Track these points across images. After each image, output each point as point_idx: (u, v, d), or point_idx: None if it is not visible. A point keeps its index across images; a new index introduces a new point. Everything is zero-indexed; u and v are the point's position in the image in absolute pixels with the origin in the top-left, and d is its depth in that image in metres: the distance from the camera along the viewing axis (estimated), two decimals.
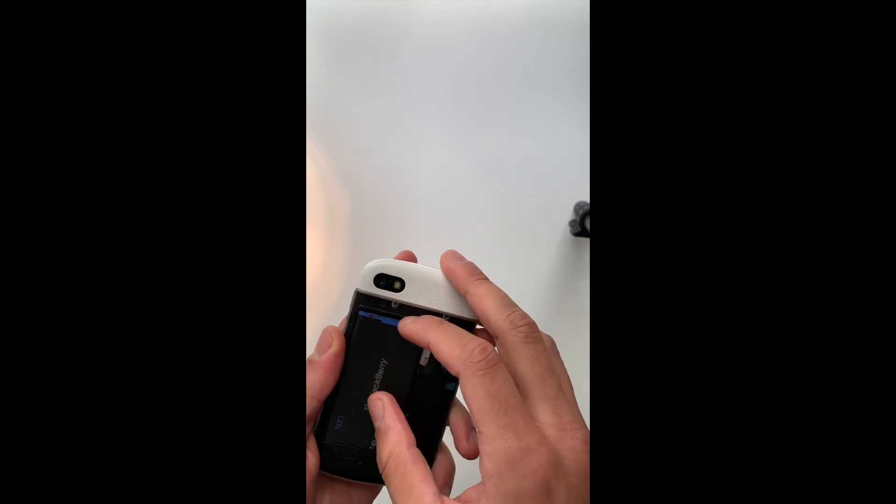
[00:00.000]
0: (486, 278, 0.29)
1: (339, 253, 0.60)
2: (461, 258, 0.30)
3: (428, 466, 0.27)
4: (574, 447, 0.25)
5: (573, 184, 0.64)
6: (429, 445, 0.30)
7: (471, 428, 0.30)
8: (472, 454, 0.29)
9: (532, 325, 0.27)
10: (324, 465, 0.29)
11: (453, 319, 0.30)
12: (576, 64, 0.61)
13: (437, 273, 0.30)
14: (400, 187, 0.61)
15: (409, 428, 0.28)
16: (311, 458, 0.29)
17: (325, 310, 0.56)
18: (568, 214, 0.64)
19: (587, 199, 0.63)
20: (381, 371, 0.30)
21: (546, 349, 0.27)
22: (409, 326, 0.29)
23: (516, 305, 0.28)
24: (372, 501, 0.32)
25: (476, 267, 0.30)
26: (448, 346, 0.27)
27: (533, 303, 0.63)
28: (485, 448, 0.24)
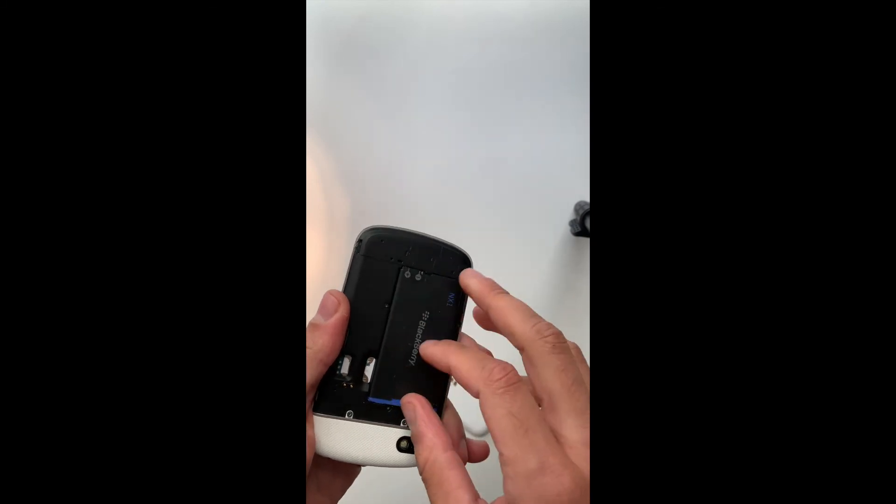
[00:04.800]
0: (506, 292, 0.29)
1: (340, 252, 0.60)
2: (478, 275, 0.30)
3: (465, 471, 0.26)
4: None
5: (573, 184, 0.64)
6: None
7: (461, 436, 0.30)
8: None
9: (559, 335, 0.27)
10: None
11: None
12: (576, 64, 0.61)
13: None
14: (400, 187, 0.61)
15: (442, 430, 0.27)
16: (311, 433, 0.28)
17: None
18: (568, 214, 0.64)
19: (587, 199, 0.63)
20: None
21: (573, 360, 0.26)
22: (431, 349, 0.29)
23: (540, 316, 0.28)
24: (348, 486, 0.31)
25: (495, 282, 0.30)
26: (468, 367, 0.27)
27: (533, 303, 0.63)
28: (507, 470, 0.24)
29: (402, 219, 0.62)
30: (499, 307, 0.28)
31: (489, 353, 0.30)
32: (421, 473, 0.27)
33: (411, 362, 0.30)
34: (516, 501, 0.23)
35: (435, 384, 0.30)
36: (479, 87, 0.61)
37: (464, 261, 0.31)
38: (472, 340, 0.31)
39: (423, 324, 0.30)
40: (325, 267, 0.59)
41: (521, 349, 0.27)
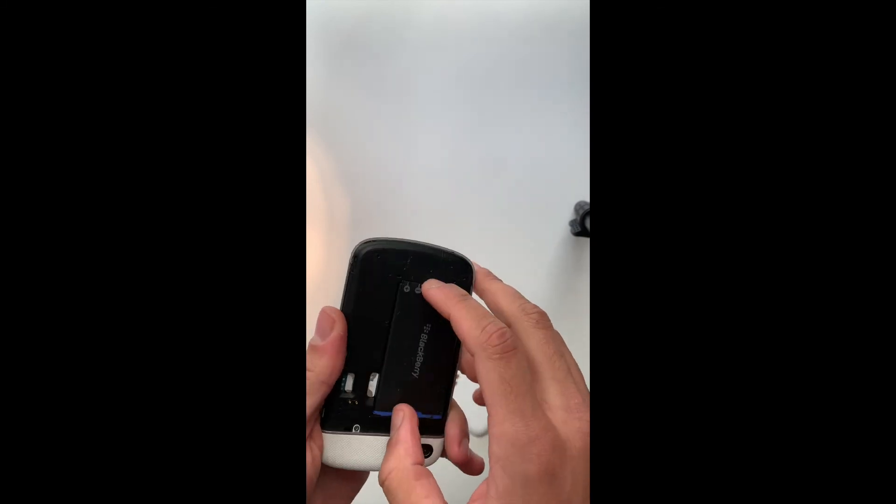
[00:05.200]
0: (498, 279, 0.31)
1: (340, 253, 0.60)
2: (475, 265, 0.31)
3: (434, 481, 0.27)
4: (581, 429, 0.25)
5: (573, 184, 0.64)
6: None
7: (464, 435, 0.30)
8: (462, 461, 0.30)
9: (543, 314, 0.28)
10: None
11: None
12: (576, 64, 0.61)
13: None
14: (400, 187, 0.61)
15: (419, 446, 0.28)
16: (317, 451, 0.28)
17: None
18: (568, 214, 0.64)
19: (587, 199, 0.63)
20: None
21: (555, 334, 0.28)
22: (434, 292, 0.29)
23: (525, 299, 0.29)
24: (357, 491, 0.32)
25: (489, 271, 0.31)
26: (468, 325, 0.27)
27: (533, 302, 0.63)
28: (493, 431, 0.25)
29: (402, 219, 0.62)
30: (490, 290, 0.30)
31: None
32: (384, 482, 0.27)
33: (414, 375, 0.30)
34: (500, 460, 0.24)
35: (439, 393, 0.30)
36: (479, 86, 0.61)
37: (465, 267, 0.31)
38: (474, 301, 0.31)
39: (424, 336, 0.30)
40: (325, 267, 0.59)
41: (509, 325, 0.28)
